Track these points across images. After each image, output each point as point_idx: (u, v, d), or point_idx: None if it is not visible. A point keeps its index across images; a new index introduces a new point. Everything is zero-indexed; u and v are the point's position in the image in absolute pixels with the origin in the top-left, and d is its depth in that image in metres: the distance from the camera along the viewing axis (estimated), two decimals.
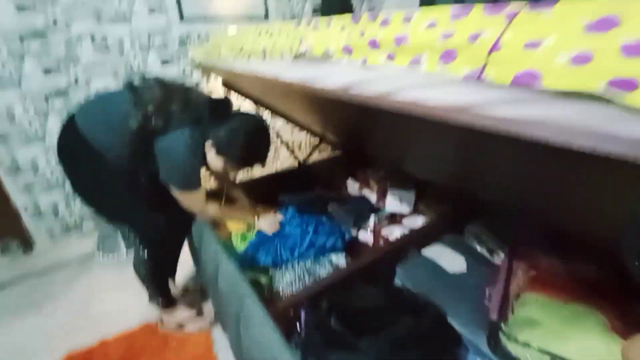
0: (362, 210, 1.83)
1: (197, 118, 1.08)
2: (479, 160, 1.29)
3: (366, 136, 1.95)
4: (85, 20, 1.98)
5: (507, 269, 1.24)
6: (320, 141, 2.30)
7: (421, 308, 1.06)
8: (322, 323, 1.02)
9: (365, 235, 1.57)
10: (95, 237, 2.14)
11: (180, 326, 1.47)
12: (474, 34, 0.46)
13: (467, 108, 0.45)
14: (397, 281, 1.29)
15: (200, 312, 1.54)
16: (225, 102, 1.19)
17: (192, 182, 1.12)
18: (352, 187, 2.26)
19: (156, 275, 1.39)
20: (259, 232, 1.41)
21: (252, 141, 1.13)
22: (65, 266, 1.96)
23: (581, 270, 1.19)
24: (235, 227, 1.54)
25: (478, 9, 0.48)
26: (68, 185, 2.08)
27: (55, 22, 1.90)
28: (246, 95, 1.83)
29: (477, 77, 0.44)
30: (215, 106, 1.14)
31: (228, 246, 1.44)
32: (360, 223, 1.69)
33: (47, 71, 1.95)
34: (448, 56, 0.49)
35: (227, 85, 1.77)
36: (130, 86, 1.15)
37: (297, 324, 1.12)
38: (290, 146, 2.17)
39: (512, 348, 0.93)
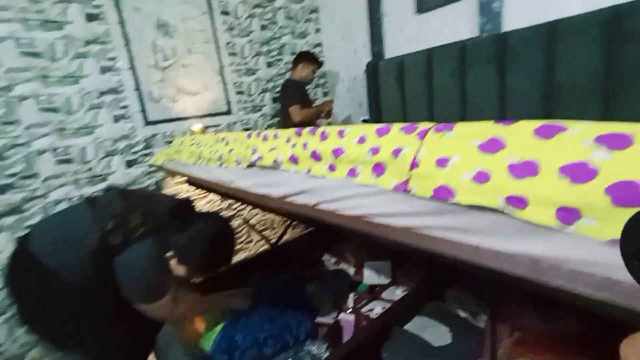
0: (341, 287, 1.79)
1: (158, 227, 1.07)
2: None
3: None
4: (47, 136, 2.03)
5: (492, 336, 1.22)
6: (292, 220, 2.32)
7: None
8: None
9: (347, 317, 1.51)
10: None
11: None
12: (396, 149, 0.53)
13: (396, 214, 0.50)
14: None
15: None
16: (187, 205, 1.20)
17: (156, 293, 1.07)
18: (329, 262, 2.24)
19: None
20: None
21: (213, 247, 1.10)
22: None
23: (563, 326, 1.20)
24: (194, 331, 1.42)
25: (396, 127, 0.56)
26: (9, 313, 1.91)
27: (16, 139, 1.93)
28: (212, 190, 1.86)
29: (404, 190, 0.49)
30: (177, 211, 1.14)
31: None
32: (341, 304, 1.64)
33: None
34: (378, 169, 0.55)
35: (192, 183, 1.81)
36: (89, 201, 1.14)
37: None
38: (258, 230, 2.15)
39: None
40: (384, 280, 1.78)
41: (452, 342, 1.25)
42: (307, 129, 0.74)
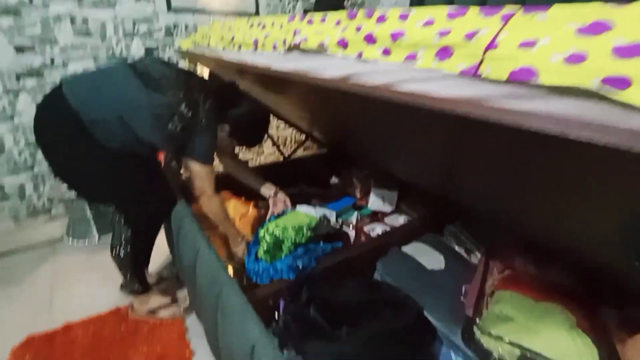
0: (345, 207, 1.85)
1: (215, 102, 1.13)
2: (461, 166, 1.33)
3: (352, 136, 1.97)
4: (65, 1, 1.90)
5: (484, 268, 1.29)
6: (306, 138, 2.30)
7: (400, 302, 1.08)
8: (301, 313, 1.02)
9: (347, 232, 1.59)
10: (64, 222, 2.05)
11: (152, 312, 1.44)
12: (471, 32, 0.48)
13: (465, 101, 0.47)
14: (377, 276, 1.31)
15: (174, 300, 1.50)
16: (234, 86, 1.27)
17: (211, 156, 1.19)
18: (336, 185, 2.28)
19: (137, 260, 1.35)
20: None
21: (259, 125, 1.35)
22: (29, 250, 1.86)
23: (552, 274, 1.26)
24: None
25: (474, 10, 0.50)
26: (37, 167, 1.99)
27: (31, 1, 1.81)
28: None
29: (473, 74, 0.46)
30: (225, 90, 1.24)
31: None
32: (342, 219, 1.70)
33: (19, 49, 1.85)
34: (444, 53, 0.51)
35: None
36: (130, 65, 1.14)
37: (276, 313, 1.12)
38: (275, 141, 2.14)
39: (484, 341, 0.97)
40: (387, 208, 1.83)
41: (445, 268, 1.33)
42: (362, 11, 0.67)
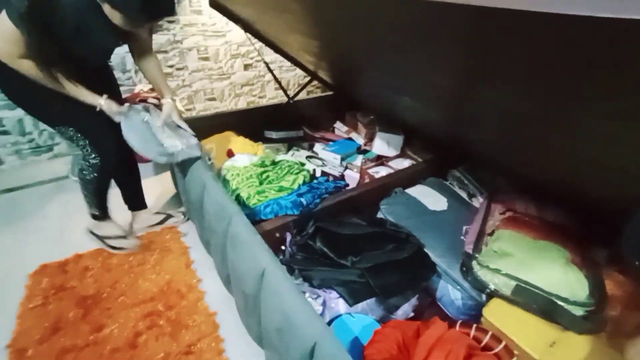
0: (349, 150, 1.83)
1: None
2: (466, 113, 1.29)
3: (358, 78, 1.88)
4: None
5: (485, 210, 1.31)
6: (311, 79, 2.21)
7: (402, 238, 1.12)
8: (307, 244, 1.06)
9: (352, 174, 1.59)
10: (67, 160, 2.04)
11: (102, 239, 1.45)
12: None
13: None
14: (380, 215, 1.33)
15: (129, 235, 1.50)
16: None
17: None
18: (340, 129, 2.24)
19: (101, 185, 1.33)
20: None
21: None
22: (36, 186, 1.87)
23: (551, 215, 1.28)
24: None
25: None
26: None
27: None
28: (237, 19, 1.68)
29: None
30: None
31: None
32: (347, 162, 1.70)
33: None
34: None
35: (216, 5, 1.61)
36: None
37: (283, 246, 1.16)
38: (279, 82, 2.06)
39: (482, 274, 1.02)
40: (392, 152, 1.82)
41: (447, 209, 1.35)
42: None
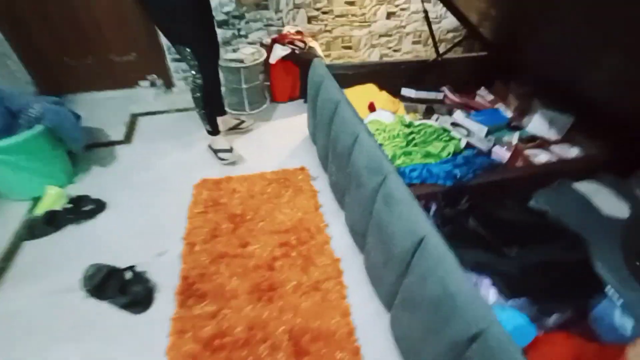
0: (498, 124, 1.62)
1: None
2: None
3: (523, 38, 1.58)
4: None
5: None
6: (468, 34, 1.95)
7: (570, 237, 0.97)
8: (457, 220, 0.99)
9: (501, 152, 1.41)
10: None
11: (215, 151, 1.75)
12: None
13: None
14: (533, 204, 1.17)
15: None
16: None
17: None
18: (484, 97, 1.99)
19: (207, 103, 1.62)
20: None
21: None
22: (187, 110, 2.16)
23: None
24: None
25: None
26: None
27: None
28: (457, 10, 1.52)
29: None
30: None
31: None
32: (494, 137, 1.51)
33: None
34: None
35: None
36: None
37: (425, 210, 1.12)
38: (433, 34, 1.87)
39: None
40: (553, 134, 1.54)
41: (629, 220, 1.11)
42: None
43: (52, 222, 1.37)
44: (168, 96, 2.29)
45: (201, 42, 1.48)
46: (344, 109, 1.26)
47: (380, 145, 1.28)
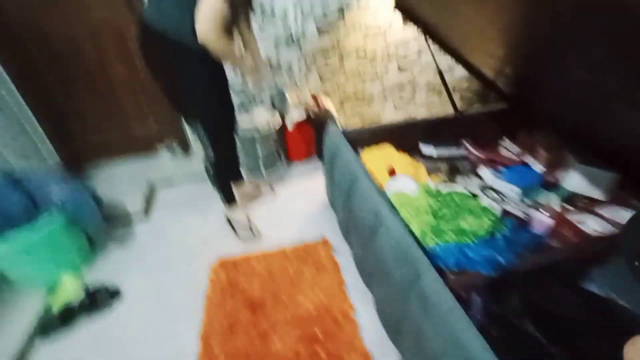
0: (531, 182, 1.50)
1: None
2: None
3: (546, 86, 1.50)
4: None
5: None
6: (487, 88, 1.90)
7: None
8: (508, 322, 0.86)
9: (542, 219, 1.28)
10: None
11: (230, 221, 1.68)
12: None
13: None
14: (593, 287, 1.02)
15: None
16: None
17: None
18: (509, 149, 1.89)
19: (221, 176, 1.58)
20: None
21: None
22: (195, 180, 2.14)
23: None
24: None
25: None
26: None
27: None
28: (418, 20, 1.51)
29: None
30: None
31: None
32: (531, 200, 1.39)
33: None
34: None
35: (401, 7, 1.48)
36: None
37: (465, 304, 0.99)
38: (450, 91, 1.83)
39: None
40: (596, 193, 1.41)
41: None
42: None
43: (67, 320, 1.31)
44: (186, 160, 2.31)
45: (214, 117, 1.38)
46: (363, 183, 1.19)
47: (407, 223, 1.19)
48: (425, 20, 1.50)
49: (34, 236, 1.28)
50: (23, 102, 1.86)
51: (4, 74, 1.76)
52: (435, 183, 1.47)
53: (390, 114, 2.59)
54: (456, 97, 2.58)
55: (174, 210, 1.88)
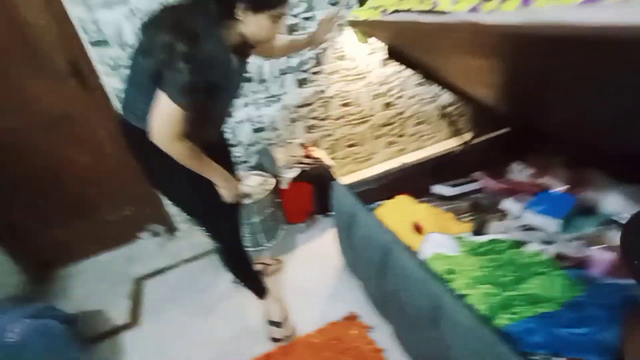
0: (564, 210, 1.36)
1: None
2: None
3: (553, 101, 1.42)
4: None
5: None
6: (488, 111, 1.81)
7: None
8: None
9: (601, 256, 1.12)
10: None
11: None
12: None
13: None
14: None
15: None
16: None
17: (183, 95, 0.82)
18: (520, 172, 1.78)
19: (238, 259, 1.31)
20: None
21: None
22: (208, 254, 1.89)
23: None
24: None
25: None
26: None
27: None
28: (415, 64, 1.42)
29: None
30: None
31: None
32: (579, 234, 1.24)
33: None
34: None
35: (395, 53, 1.38)
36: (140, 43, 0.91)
37: None
38: (451, 119, 1.72)
39: None
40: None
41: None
42: None
43: None
44: (173, 243, 2.03)
45: (215, 216, 1.15)
46: (401, 256, 1.00)
47: (463, 295, 0.99)
48: (424, 66, 1.40)
49: None
50: None
51: None
52: (461, 229, 1.31)
53: (384, 152, 2.48)
54: (445, 124, 2.53)
55: (168, 308, 1.59)
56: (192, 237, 2.02)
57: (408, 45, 1.31)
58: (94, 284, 1.79)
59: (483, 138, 1.82)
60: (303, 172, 1.89)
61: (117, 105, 1.60)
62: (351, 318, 1.37)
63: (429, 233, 1.22)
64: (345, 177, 2.31)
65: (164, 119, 0.84)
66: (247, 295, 1.39)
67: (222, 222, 1.19)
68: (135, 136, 0.95)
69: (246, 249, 1.31)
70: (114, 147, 1.71)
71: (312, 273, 1.65)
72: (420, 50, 1.30)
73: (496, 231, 1.31)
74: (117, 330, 1.52)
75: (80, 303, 1.67)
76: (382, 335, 1.29)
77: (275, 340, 1.33)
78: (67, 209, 1.81)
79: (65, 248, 1.90)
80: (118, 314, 1.60)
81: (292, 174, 1.86)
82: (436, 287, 0.89)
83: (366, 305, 1.41)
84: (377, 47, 2.01)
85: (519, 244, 1.18)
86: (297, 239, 1.91)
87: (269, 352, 1.30)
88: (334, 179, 1.91)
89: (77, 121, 1.63)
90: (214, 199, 1.09)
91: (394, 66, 2.16)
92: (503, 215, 1.50)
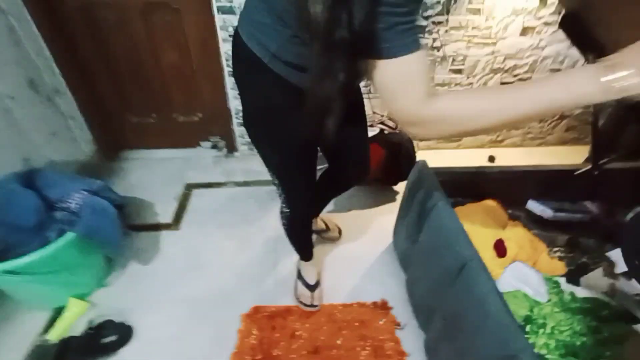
0: None
1: None
2: None
3: None
4: None
5: None
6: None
7: None
8: None
9: None
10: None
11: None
12: None
13: None
14: None
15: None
16: None
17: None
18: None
19: (297, 229, 1.20)
20: None
21: None
22: (258, 184, 1.84)
23: None
24: None
25: None
26: None
27: None
28: (591, 44, 1.04)
29: None
30: None
31: None
32: None
33: None
34: None
35: (570, 23, 1.01)
36: None
37: None
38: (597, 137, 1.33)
39: None
40: None
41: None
42: None
43: (64, 356, 1.07)
44: (229, 162, 2.01)
45: (293, 176, 0.98)
46: (477, 280, 0.80)
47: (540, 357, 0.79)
48: (605, 42, 1.02)
49: (36, 257, 1.03)
50: (66, 87, 1.63)
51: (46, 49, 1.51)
52: (561, 277, 1.05)
53: (476, 138, 2.14)
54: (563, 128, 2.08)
55: (209, 223, 1.59)
56: (248, 162, 1.97)
57: (601, 14, 0.93)
58: (150, 176, 1.85)
59: (619, 164, 1.42)
60: (381, 134, 1.68)
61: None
62: (381, 306, 1.25)
63: (516, 261, 0.99)
64: (424, 153, 2.03)
65: (406, 82, 0.55)
66: (288, 245, 1.31)
67: (302, 186, 1.03)
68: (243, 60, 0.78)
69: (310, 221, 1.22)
70: (200, 49, 1.65)
71: (357, 243, 1.52)
72: (617, 23, 0.93)
73: (597, 286, 1.04)
74: (158, 227, 1.57)
75: (134, 188, 1.74)
76: (411, 338, 1.16)
77: (299, 302, 1.26)
78: (146, 99, 1.83)
79: (138, 135, 1.96)
80: (163, 211, 1.65)
81: (369, 132, 1.64)
82: (511, 334, 0.70)
83: (403, 299, 1.27)
84: (526, 10, 1.58)
85: (628, 317, 0.91)
86: (357, 201, 1.75)
87: (290, 306, 1.25)
88: (413, 153, 1.69)
89: (173, 11, 1.54)
90: (307, 158, 0.96)
91: (534, 38, 1.71)
92: (609, 266, 1.19)
